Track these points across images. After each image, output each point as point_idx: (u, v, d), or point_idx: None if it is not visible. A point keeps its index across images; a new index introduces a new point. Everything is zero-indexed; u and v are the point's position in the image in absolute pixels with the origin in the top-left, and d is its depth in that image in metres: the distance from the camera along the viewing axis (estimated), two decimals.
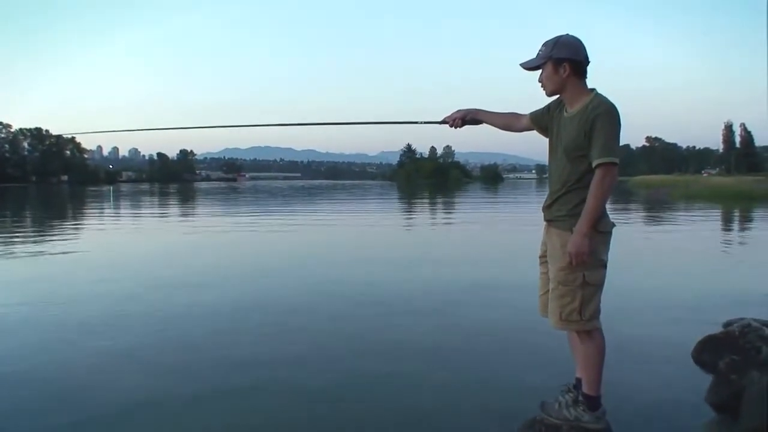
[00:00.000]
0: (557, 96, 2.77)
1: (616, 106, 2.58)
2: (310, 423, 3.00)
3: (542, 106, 2.91)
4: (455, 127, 3.13)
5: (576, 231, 2.56)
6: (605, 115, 2.53)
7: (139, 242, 12.01)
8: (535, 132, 2.97)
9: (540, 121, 2.89)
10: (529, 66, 2.75)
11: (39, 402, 3.20)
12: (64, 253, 9.62)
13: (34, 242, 11.59)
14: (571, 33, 2.66)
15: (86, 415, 3.03)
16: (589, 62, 2.65)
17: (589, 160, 2.56)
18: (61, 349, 4.15)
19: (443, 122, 3.15)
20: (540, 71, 2.73)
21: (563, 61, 2.61)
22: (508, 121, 3.09)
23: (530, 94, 3.11)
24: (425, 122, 3.29)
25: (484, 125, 3.15)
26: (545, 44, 2.67)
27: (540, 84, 2.77)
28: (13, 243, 11.46)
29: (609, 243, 2.68)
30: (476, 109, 3.11)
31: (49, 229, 14.80)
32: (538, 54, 2.70)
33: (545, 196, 2.86)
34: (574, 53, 2.61)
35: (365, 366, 3.82)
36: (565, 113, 2.71)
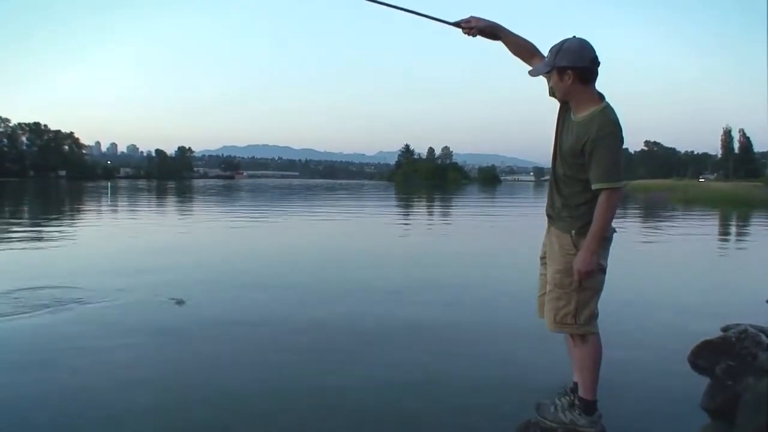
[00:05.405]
0: None
1: (618, 111, 2.55)
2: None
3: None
4: (471, 36, 2.85)
5: (584, 248, 2.55)
6: (608, 138, 2.48)
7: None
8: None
9: (551, 90, 2.76)
10: (535, 74, 2.71)
11: None
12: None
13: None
14: (576, 35, 2.57)
15: None
16: (598, 64, 2.55)
17: (587, 174, 2.54)
18: None
19: (456, 25, 2.86)
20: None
21: (566, 69, 2.54)
22: (527, 51, 2.86)
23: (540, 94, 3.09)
24: (436, 18, 2.90)
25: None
26: (550, 50, 2.60)
27: (551, 89, 2.72)
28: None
29: (609, 248, 2.67)
30: (497, 24, 2.88)
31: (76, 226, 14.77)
32: (544, 61, 2.65)
33: (546, 198, 2.85)
34: (576, 60, 2.52)
35: (362, 366, 3.81)
36: (572, 116, 2.66)
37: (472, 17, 2.85)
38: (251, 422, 2.96)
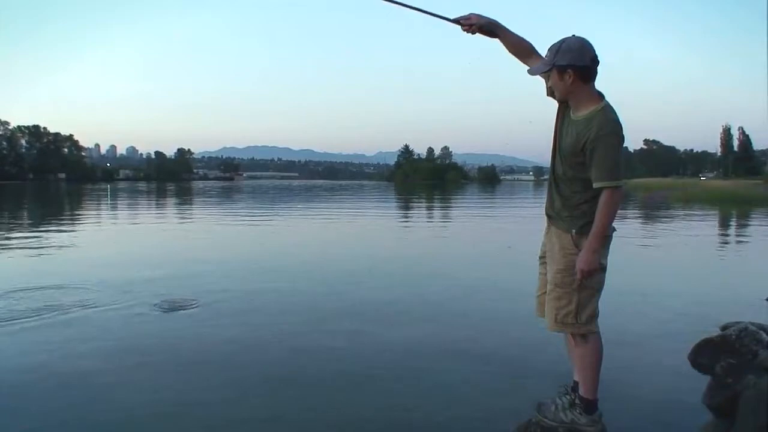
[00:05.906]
0: None
1: (618, 111, 2.55)
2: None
3: None
4: (470, 33, 2.84)
5: (586, 248, 2.56)
6: (609, 137, 2.48)
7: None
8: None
9: (549, 89, 2.77)
10: (534, 73, 2.70)
11: None
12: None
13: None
14: (575, 33, 2.57)
15: None
16: (598, 62, 2.55)
17: (588, 173, 2.55)
18: None
19: (455, 21, 2.84)
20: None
21: (566, 68, 2.54)
22: (524, 50, 2.85)
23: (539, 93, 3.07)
24: (435, 15, 2.88)
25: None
26: (550, 49, 2.59)
27: (549, 88, 2.72)
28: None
29: (609, 247, 2.67)
30: (496, 21, 2.85)
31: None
32: (544, 60, 2.64)
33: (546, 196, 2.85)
34: (576, 59, 2.51)
35: (358, 367, 3.80)
36: (571, 114, 2.66)
37: (472, 14, 2.84)
38: (253, 423, 2.97)
